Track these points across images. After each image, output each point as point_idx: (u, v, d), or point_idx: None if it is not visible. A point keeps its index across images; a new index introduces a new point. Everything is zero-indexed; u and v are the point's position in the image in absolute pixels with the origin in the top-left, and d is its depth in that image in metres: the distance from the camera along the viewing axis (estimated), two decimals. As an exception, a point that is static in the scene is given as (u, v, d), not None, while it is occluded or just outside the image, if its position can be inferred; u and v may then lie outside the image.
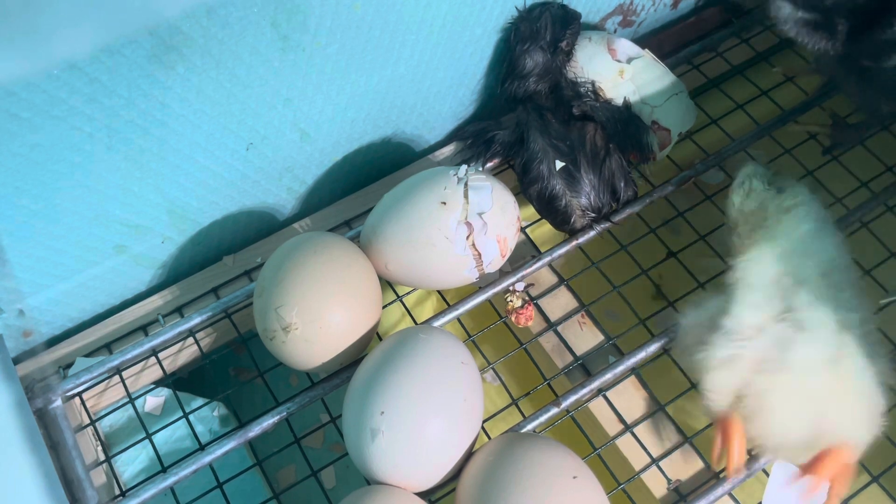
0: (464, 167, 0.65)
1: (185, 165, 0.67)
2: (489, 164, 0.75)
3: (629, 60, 0.76)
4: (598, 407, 0.66)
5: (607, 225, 0.71)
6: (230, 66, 0.61)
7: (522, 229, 0.72)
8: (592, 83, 0.75)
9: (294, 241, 0.64)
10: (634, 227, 0.74)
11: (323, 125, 0.73)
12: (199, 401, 0.77)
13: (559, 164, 0.69)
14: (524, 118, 0.72)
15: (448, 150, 0.82)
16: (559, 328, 0.69)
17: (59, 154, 0.59)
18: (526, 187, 0.71)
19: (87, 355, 0.70)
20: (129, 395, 0.68)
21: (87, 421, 0.68)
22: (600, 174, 0.70)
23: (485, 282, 0.68)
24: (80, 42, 0.48)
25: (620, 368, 0.65)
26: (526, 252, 0.73)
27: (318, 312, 0.60)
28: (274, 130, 0.70)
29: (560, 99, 0.74)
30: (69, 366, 0.69)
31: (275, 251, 0.64)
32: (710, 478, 0.62)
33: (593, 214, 0.70)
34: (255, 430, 0.63)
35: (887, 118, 0.76)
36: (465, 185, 0.64)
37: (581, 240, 0.71)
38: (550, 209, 0.71)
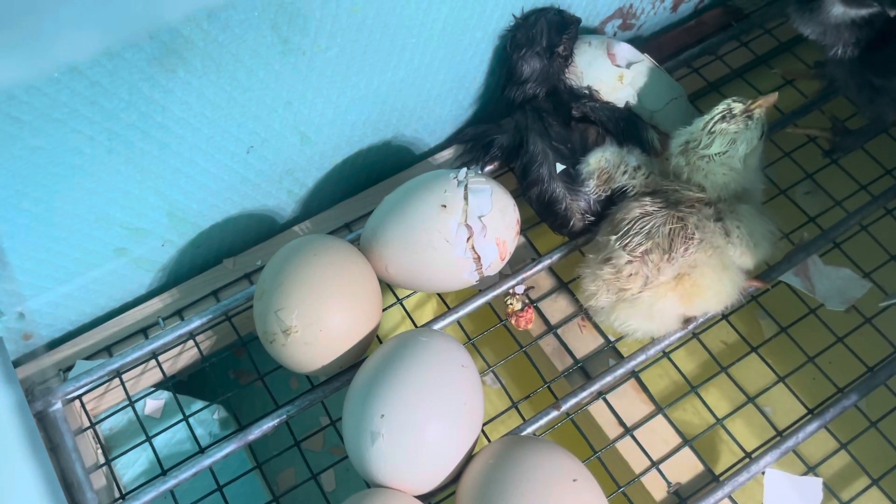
0: (463, 170, 0.65)
1: (185, 168, 0.67)
2: (489, 168, 0.75)
3: (629, 65, 0.76)
4: (598, 410, 0.66)
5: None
6: (230, 69, 0.61)
7: (522, 232, 0.72)
8: (589, 88, 0.75)
9: (294, 243, 0.64)
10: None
11: (323, 128, 0.73)
12: (199, 403, 0.77)
13: (559, 168, 0.69)
14: (523, 121, 0.73)
15: (448, 153, 0.82)
16: (559, 331, 0.69)
17: (59, 157, 0.59)
18: (525, 190, 0.71)
19: (87, 358, 0.70)
20: (129, 397, 0.68)
21: (87, 423, 0.68)
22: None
23: (484, 284, 0.68)
24: (82, 45, 0.48)
25: (620, 371, 0.65)
26: (526, 255, 0.73)
27: (318, 315, 0.60)
28: (274, 133, 0.70)
29: (559, 102, 0.74)
30: (69, 368, 0.69)
31: (275, 254, 0.64)
32: (711, 481, 0.62)
33: (592, 218, 0.70)
34: (254, 432, 0.63)
35: (891, 125, 0.76)
36: (465, 187, 0.64)
37: (581, 242, 0.71)
38: (550, 212, 0.71)
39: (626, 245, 0.63)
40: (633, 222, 0.63)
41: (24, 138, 0.55)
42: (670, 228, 0.62)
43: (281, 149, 0.72)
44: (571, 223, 0.70)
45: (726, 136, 0.63)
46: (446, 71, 0.76)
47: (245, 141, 0.69)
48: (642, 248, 0.62)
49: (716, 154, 0.64)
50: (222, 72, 0.61)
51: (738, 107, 0.64)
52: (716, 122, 0.64)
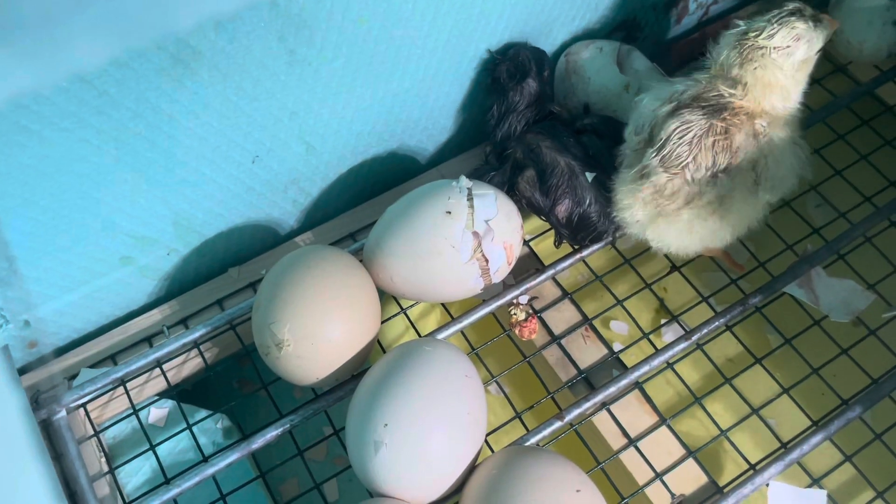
0: (463, 178, 0.65)
1: (191, 178, 0.67)
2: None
3: (636, 74, 0.76)
4: (601, 421, 0.66)
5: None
6: (237, 79, 0.62)
7: (526, 242, 0.72)
8: (586, 106, 0.75)
9: (291, 256, 0.64)
10: (638, 241, 0.75)
11: (328, 138, 0.73)
12: (203, 412, 0.77)
13: (590, 176, 0.68)
14: (527, 147, 0.71)
15: (452, 164, 0.82)
16: (563, 341, 0.69)
17: (67, 166, 0.59)
18: (550, 208, 0.69)
19: (92, 366, 0.70)
20: (133, 406, 0.68)
21: (90, 432, 0.69)
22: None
23: (489, 294, 0.68)
24: (92, 55, 0.48)
25: (624, 382, 0.65)
26: (530, 265, 0.73)
27: (311, 329, 0.59)
28: (280, 143, 0.70)
29: (559, 121, 0.73)
30: (74, 377, 0.69)
31: (273, 266, 0.64)
32: (714, 493, 0.62)
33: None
34: (258, 442, 0.63)
35: None
36: (469, 193, 0.64)
37: (585, 253, 0.71)
38: (583, 225, 0.69)
39: (665, 159, 0.58)
40: (671, 134, 0.58)
41: (33, 147, 0.56)
42: (713, 140, 0.58)
43: (286, 159, 0.72)
44: (607, 233, 0.70)
45: (792, 31, 0.59)
46: (451, 82, 0.77)
47: (250, 151, 0.69)
48: (682, 163, 0.58)
49: (774, 48, 0.59)
50: (229, 82, 0.62)
51: (809, 9, 0.60)
52: (784, 15, 0.59)
